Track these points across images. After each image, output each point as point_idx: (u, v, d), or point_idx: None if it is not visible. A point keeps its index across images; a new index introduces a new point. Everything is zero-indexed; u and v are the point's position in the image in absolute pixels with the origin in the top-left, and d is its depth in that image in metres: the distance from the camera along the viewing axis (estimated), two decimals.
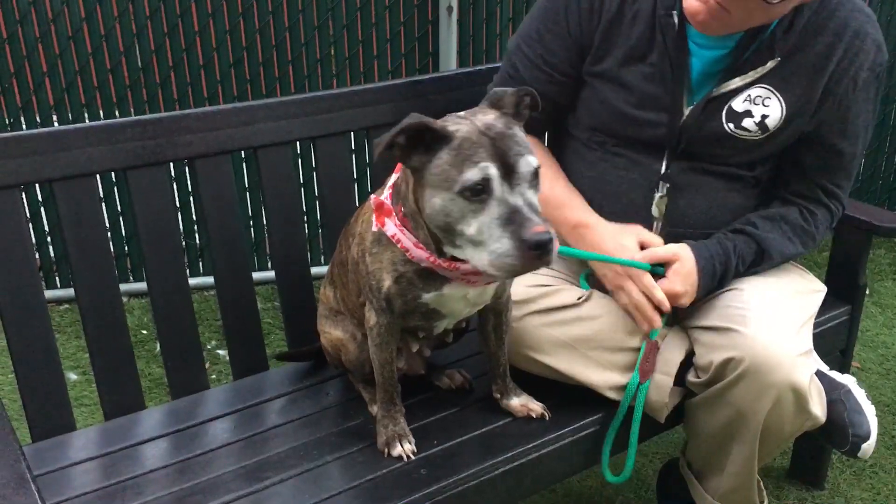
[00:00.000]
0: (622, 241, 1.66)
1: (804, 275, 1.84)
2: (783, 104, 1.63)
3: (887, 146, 3.49)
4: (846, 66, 1.61)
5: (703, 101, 1.64)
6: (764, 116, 1.64)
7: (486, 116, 1.32)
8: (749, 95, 1.64)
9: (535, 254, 1.23)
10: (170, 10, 2.77)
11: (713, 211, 1.73)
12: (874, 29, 1.62)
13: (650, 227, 1.73)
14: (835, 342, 2.05)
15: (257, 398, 1.76)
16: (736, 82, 1.63)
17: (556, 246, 1.25)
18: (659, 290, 1.62)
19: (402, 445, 1.56)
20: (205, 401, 1.76)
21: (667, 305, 1.62)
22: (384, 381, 1.57)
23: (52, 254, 3.00)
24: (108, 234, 2.10)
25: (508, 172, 1.26)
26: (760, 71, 1.62)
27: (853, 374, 2.64)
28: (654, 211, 1.71)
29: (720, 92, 1.64)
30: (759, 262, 1.71)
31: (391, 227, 1.43)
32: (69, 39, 2.75)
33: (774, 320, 1.60)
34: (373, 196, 1.48)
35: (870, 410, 1.68)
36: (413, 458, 1.55)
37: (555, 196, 1.73)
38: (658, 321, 1.64)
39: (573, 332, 1.66)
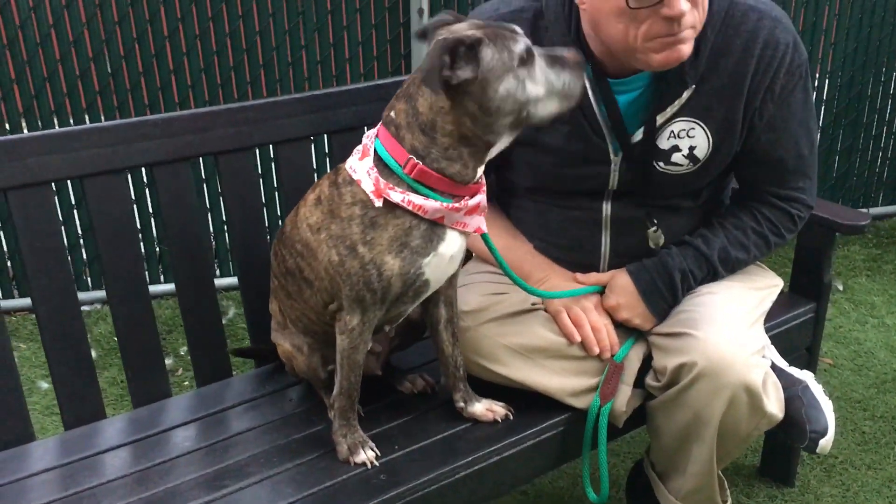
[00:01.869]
0: (565, 282, 1.74)
1: (760, 270, 1.86)
2: (708, 132, 1.63)
3: (860, 144, 3.50)
4: (761, 80, 1.60)
5: (628, 145, 1.64)
6: (692, 148, 1.64)
7: (463, 24, 1.44)
8: (672, 131, 1.63)
9: (580, 65, 1.43)
10: (170, 13, 2.77)
11: (664, 234, 1.73)
12: (784, 32, 1.59)
13: (598, 260, 1.76)
14: (800, 340, 2.05)
15: (220, 405, 1.75)
16: (658, 119, 1.62)
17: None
18: (594, 313, 1.68)
19: (364, 452, 1.55)
20: (167, 409, 1.76)
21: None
22: (350, 386, 1.55)
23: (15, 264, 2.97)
24: (66, 243, 2.09)
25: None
26: (677, 104, 1.60)
27: (826, 371, 2.67)
28: (651, 244, 1.73)
29: (645, 132, 1.63)
30: (711, 273, 1.71)
31: (396, 195, 1.42)
32: (70, 44, 2.73)
33: (726, 322, 1.61)
34: (365, 188, 1.44)
35: (827, 406, 1.69)
36: (377, 464, 1.54)
37: (497, 246, 1.71)
38: (612, 347, 1.67)
39: (526, 341, 1.67)
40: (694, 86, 1.59)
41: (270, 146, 1.84)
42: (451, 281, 1.61)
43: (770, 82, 1.60)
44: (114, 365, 2.69)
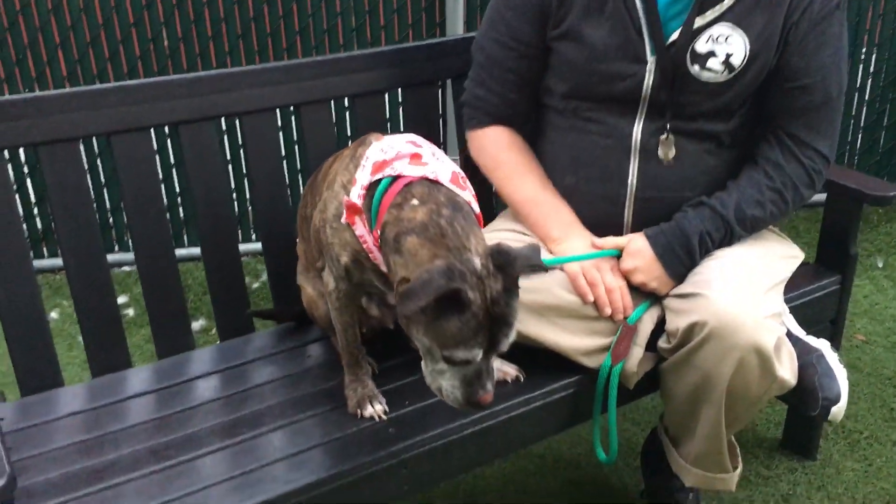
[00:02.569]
0: (583, 244, 1.74)
1: (781, 240, 1.84)
2: (746, 41, 1.63)
3: (886, 119, 3.40)
4: None
5: (670, 43, 1.64)
6: (728, 55, 1.63)
7: (496, 284, 1.31)
8: (711, 35, 1.63)
9: (470, 409, 1.39)
10: None
11: (686, 172, 1.73)
12: None
13: (625, 191, 1.75)
14: (825, 311, 2.03)
15: (241, 359, 1.80)
16: (697, 22, 1.62)
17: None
18: (609, 274, 1.68)
19: (372, 406, 1.59)
20: (190, 361, 1.81)
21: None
22: (347, 344, 1.59)
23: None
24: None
25: (491, 348, 1.34)
26: (719, 8, 1.62)
27: (858, 347, 2.64)
28: (660, 153, 1.72)
29: (687, 32, 1.63)
30: (728, 233, 1.70)
31: (360, 228, 1.44)
32: (81, 11, 2.80)
33: (739, 284, 1.60)
34: (344, 198, 1.46)
35: (841, 375, 1.68)
36: (385, 417, 1.58)
37: (524, 200, 1.79)
38: (626, 309, 1.67)
39: (541, 298, 1.67)
40: None
41: (291, 107, 1.88)
42: None
43: (809, 2, 1.62)
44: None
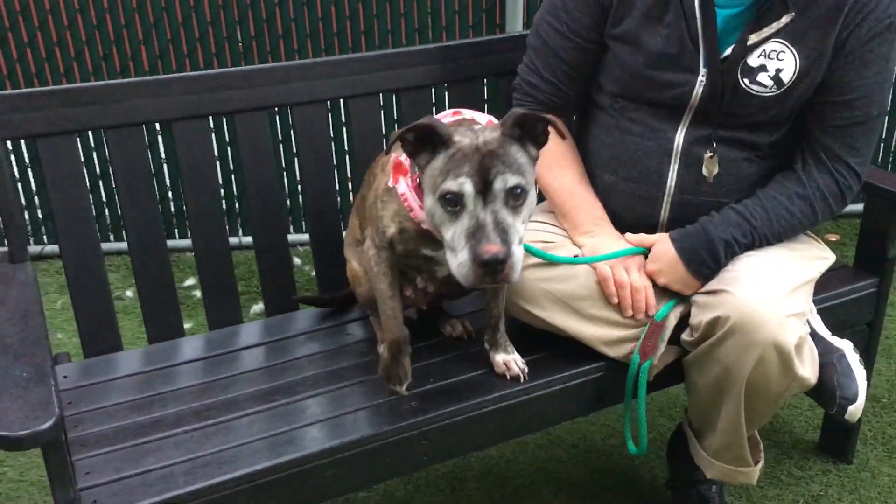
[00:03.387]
0: (612, 240, 1.80)
1: (811, 242, 1.86)
2: (797, 58, 1.66)
3: None
4: (855, 16, 1.63)
5: (720, 59, 1.68)
6: (778, 70, 1.67)
7: (490, 134, 1.43)
8: (764, 50, 1.67)
9: (482, 270, 1.35)
10: None
11: (724, 179, 1.77)
12: None
13: (662, 194, 1.79)
14: (861, 315, 2.04)
15: (284, 334, 1.93)
16: (752, 39, 1.67)
17: (512, 267, 1.36)
18: (636, 273, 1.73)
19: (401, 381, 1.67)
20: (238, 333, 1.95)
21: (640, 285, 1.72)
22: (387, 316, 1.66)
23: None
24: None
25: (486, 189, 1.37)
26: (775, 26, 1.65)
27: None
28: (705, 171, 1.76)
29: (741, 48, 1.67)
30: (755, 239, 1.72)
31: (402, 186, 1.55)
32: (105, 11, 2.94)
33: (764, 281, 1.63)
34: (392, 154, 1.57)
35: (860, 375, 1.69)
36: (405, 392, 1.66)
37: (560, 188, 1.86)
38: (649, 309, 1.72)
39: (567, 288, 1.74)
40: (794, 13, 1.64)
41: (341, 100, 1.99)
42: None
43: (861, 21, 1.64)
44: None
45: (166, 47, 3.03)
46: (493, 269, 1.35)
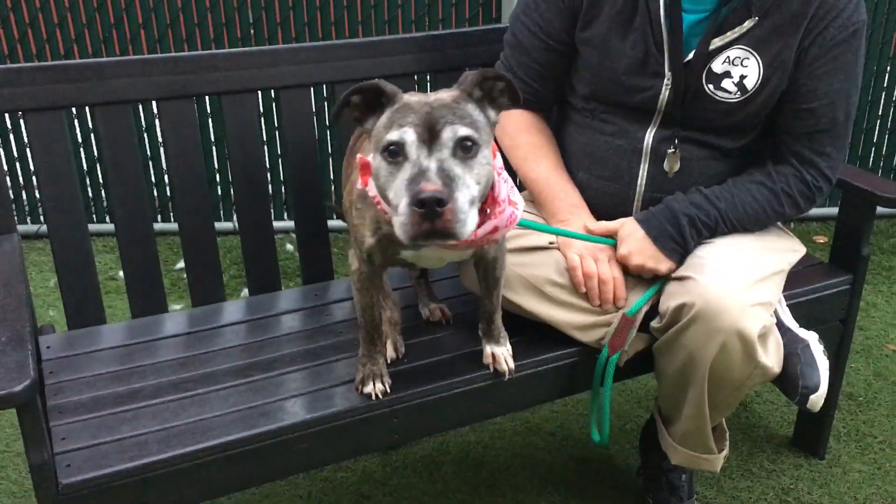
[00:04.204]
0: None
1: (782, 234, 1.89)
2: (760, 64, 1.68)
3: None
4: (817, 24, 1.65)
5: (686, 62, 1.71)
6: (742, 77, 1.70)
7: (446, 93, 1.37)
8: (728, 57, 1.69)
9: (419, 212, 1.23)
10: None
11: (694, 177, 1.80)
12: None
13: (633, 192, 1.83)
14: (834, 311, 2.07)
15: (266, 313, 1.95)
16: (715, 42, 1.69)
17: (454, 213, 1.24)
18: (605, 264, 1.75)
19: (374, 384, 1.64)
20: (221, 311, 1.98)
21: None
22: (366, 323, 1.65)
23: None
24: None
25: (431, 138, 1.29)
26: (738, 31, 1.68)
27: (888, 357, 2.63)
28: (666, 166, 1.80)
29: (703, 52, 1.70)
30: (719, 220, 1.75)
31: (373, 189, 1.44)
32: None
33: (730, 269, 1.66)
34: (359, 155, 1.50)
35: (823, 365, 1.72)
36: (381, 397, 1.63)
37: (536, 179, 1.89)
38: (618, 300, 1.74)
39: (541, 273, 1.78)
40: (757, 18, 1.67)
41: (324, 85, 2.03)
42: (483, 254, 1.62)
43: (823, 28, 1.66)
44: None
45: (165, 32, 3.07)
46: (430, 212, 1.22)
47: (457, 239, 1.28)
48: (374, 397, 1.64)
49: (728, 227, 1.77)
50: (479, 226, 1.39)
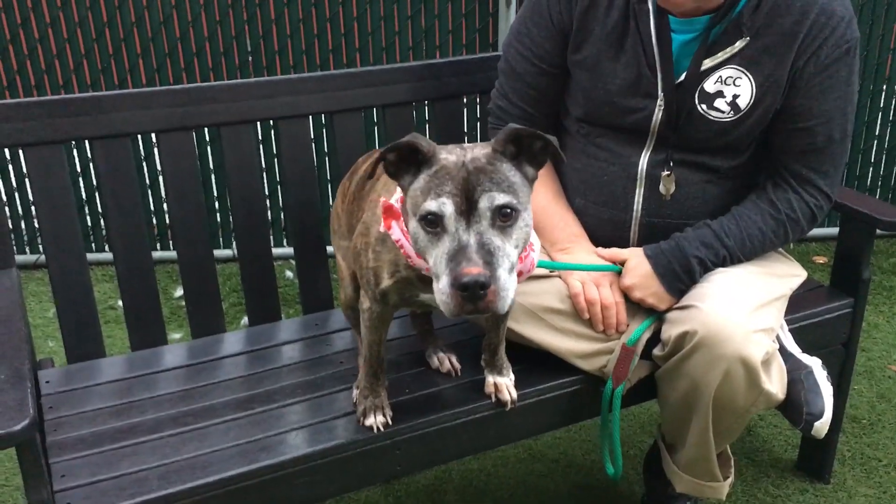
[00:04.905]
0: (588, 256, 1.81)
1: (783, 259, 1.88)
2: (753, 84, 1.69)
3: None
4: (810, 44, 1.66)
5: (678, 83, 1.72)
6: (735, 96, 1.70)
7: (480, 150, 1.33)
8: (720, 77, 1.70)
9: (461, 295, 1.23)
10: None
11: (689, 201, 1.80)
12: (841, 6, 1.66)
13: (630, 217, 1.83)
14: (836, 335, 2.06)
15: (266, 343, 1.95)
16: (707, 63, 1.70)
17: (496, 293, 1.23)
18: (607, 289, 1.74)
19: (375, 416, 1.63)
20: (220, 342, 1.97)
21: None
22: (371, 358, 1.63)
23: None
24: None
25: (470, 208, 1.26)
26: (730, 51, 1.68)
27: (890, 378, 2.62)
28: (662, 189, 1.80)
29: (694, 73, 1.71)
30: (728, 258, 1.75)
31: (397, 232, 1.44)
32: (116, 8, 3.00)
33: (732, 297, 1.65)
34: (382, 198, 1.48)
35: (827, 392, 1.71)
36: (383, 430, 1.62)
37: (537, 208, 1.82)
38: (619, 325, 1.73)
39: (542, 301, 1.77)
40: (749, 38, 1.67)
41: (323, 115, 2.03)
42: None
43: (817, 48, 1.67)
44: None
45: (164, 61, 3.09)
46: (473, 295, 1.22)
47: (499, 313, 1.28)
48: (375, 429, 1.63)
49: (734, 262, 1.76)
50: None
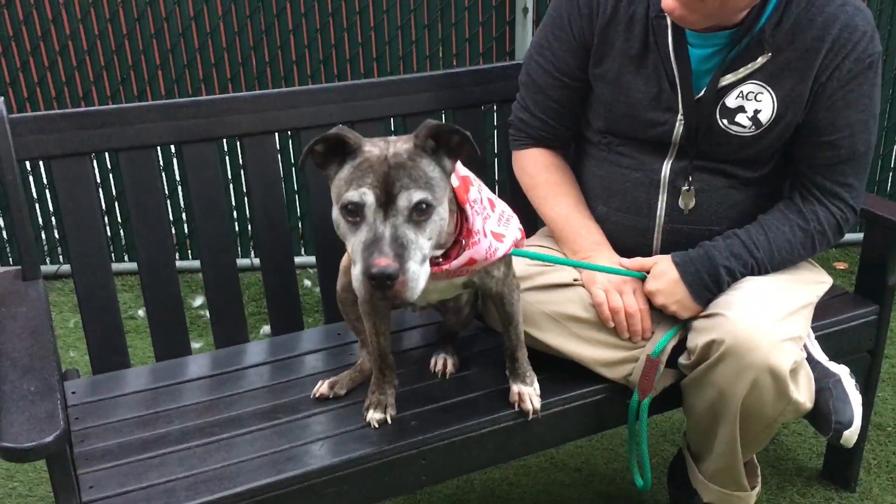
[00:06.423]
0: (610, 262, 1.81)
1: (808, 266, 1.87)
2: (774, 99, 1.68)
3: None
4: (832, 59, 1.65)
5: (697, 99, 1.71)
6: (756, 111, 1.69)
7: (403, 145, 1.39)
8: (741, 92, 1.69)
9: (371, 283, 1.29)
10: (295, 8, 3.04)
11: (713, 207, 1.80)
12: (863, 21, 1.65)
13: (653, 224, 1.82)
14: (861, 341, 2.04)
15: (289, 353, 1.95)
16: (728, 79, 1.69)
17: (405, 283, 1.30)
18: (631, 297, 1.74)
19: (376, 413, 1.66)
20: (244, 352, 1.98)
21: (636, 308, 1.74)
22: (373, 349, 1.67)
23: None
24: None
25: (388, 201, 1.33)
26: (751, 67, 1.68)
27: None
28: (681, 203, 1.79)
29: (713, 89, 1.70)
30: (756, 268, 1.74)
31: None
32: (136, 20, 3.02)
33: (759, 305, 1.64)
34: None
35: (856, 400, 1.70)
36: (378, 427, 1.65)
37: (557, 217, 1.89)
38: (644, 332, 1.73)
39: (566, 310, 1.77)
40: (771, 53, 1.67)
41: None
42: (481, 284, 1.63)
43: (840, 62, 1.66)
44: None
45: (182, 73, 3.11)
46: (381, 284, 1.29)
47: (408, 301, 1.33)
48: (371, 425, 1.66)
49: (762, 273, 1.75)
50: (454, 257, 1.48)
